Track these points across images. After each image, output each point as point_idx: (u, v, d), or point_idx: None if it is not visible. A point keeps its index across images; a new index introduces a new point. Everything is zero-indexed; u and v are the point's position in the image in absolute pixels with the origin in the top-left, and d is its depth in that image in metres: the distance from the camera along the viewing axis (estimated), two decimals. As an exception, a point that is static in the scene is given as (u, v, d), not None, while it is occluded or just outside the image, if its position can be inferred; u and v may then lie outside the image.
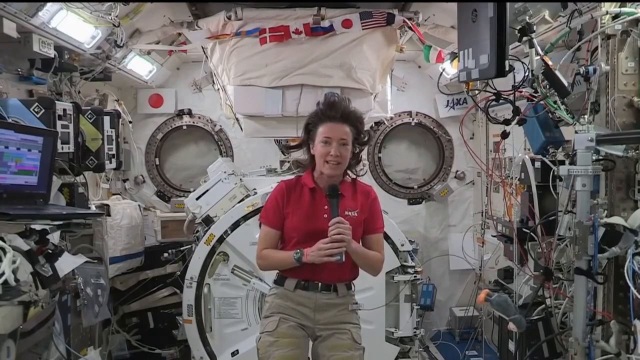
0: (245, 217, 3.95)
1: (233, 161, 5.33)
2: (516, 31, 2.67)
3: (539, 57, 2.66)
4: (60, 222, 2.74)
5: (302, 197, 2.62)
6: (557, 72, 2.62)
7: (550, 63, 2.62)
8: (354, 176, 2.71)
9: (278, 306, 2.63)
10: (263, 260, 2.63)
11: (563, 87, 2.62)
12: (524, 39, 2.66)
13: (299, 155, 2.72)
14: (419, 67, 5.54)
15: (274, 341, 2.54)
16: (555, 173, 2.95)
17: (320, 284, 2.58)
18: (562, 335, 2.96)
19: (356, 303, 2.72)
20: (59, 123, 3.07)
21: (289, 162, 4.56)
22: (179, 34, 4.41)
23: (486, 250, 5.15)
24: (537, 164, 3.34)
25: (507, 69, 2.53)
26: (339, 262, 2.46)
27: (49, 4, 2.98)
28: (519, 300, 3.56)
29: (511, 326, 2.98)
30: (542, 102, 2.85)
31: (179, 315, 4.43)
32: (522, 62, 2.80)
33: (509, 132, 2.97)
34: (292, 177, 2.73)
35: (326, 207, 2.54)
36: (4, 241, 2.24)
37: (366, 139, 2.68)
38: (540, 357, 3.12)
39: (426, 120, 5.61)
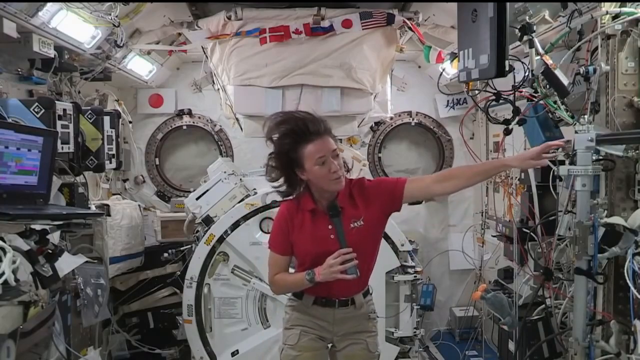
0: (245, 217, 3.95)
1: (233, 161, 5.33)
2: (517, 30, 2.67)
3: (539, 57, 2.65)
4: (60, 222, 2.73)
5: (304, 221, 2.52)
6: (557, 72, 2.62)
7: (550, 62, 2.62)
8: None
9: (297, 319, 2.62)
10: (276, 285, 2.60)
11: (563, 87, 2.62)
12: (525, 38, 2.66)
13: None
14: (419, 67, 5.54)
15: (296, 355, 2.58)
16: (555, 173, 2.94)
17: (337, 300, 2.55)
18: (562, 335, 2.95)
19: (374, 312, 2.70)
20: (59, 123, 3.07)
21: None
22: (179, 34, 4.41)
23: (486, 250, 5.15)
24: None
25: (507, 69, 2.53)
26: (355, 277, 2.40)
27: (49, 4, 2.98)
28: (519, 300, 3.56)
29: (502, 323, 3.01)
30: (542, 102, 2.85)
31: (179, 315, 4.43)
32: (522, 62, 2.80)
33: (512, 129, 2.97)
34: (290, 200, 2.57)
35: (330, 226, 2.46)
36: (4, 241, 2.24)
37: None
38: (540, 357, 3.12)
39: (426, 120, 5.61)
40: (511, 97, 2.91)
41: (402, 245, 3.97)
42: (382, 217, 2.57)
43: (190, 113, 5.51)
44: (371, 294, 2.70)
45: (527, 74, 2.79)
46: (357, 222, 2.48)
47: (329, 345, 2.66)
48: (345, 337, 2.61)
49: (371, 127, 5.51)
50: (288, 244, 2.55)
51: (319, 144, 2.37)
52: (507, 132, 3.01)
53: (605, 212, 2.60)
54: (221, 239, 3.95)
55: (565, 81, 2.63)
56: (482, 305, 5.12)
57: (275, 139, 2.44)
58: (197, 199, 4.16)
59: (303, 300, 2.59)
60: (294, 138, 2.39)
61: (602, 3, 2.53)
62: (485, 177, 2.89)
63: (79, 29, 3.42)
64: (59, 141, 2.97)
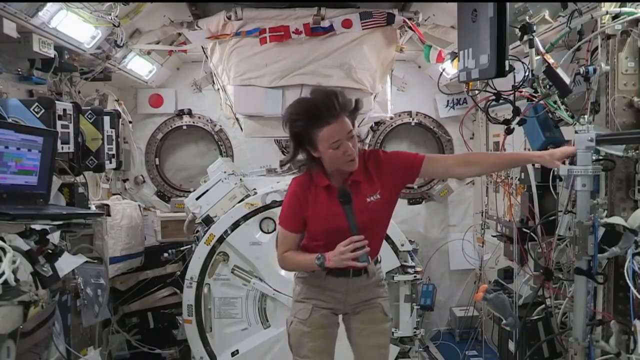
0: (245, 217, 3.95)
1: (233, 161, 5.33)
2: (517, 30, 2.67)
3: (540, 56, 2.65)
4: (60, 222, 2.73)
5: (318, 197, 2.49)
6: (558, 71, 2.61)
7: (551, 61, 2.62)
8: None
9: (309, 292, 2.62)
10: (285, 263, 2.60)
11: (565, 85, 2.62)
12: (525, 38, 2.66)
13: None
14: (419, 67, 5.54)
15: (306, 331, 2.57)
16: (555, 173, 2.94)
17: (351, 269, 2.52)
18: (562, 335, 2.95)
19: (384, 279, 2.72)
20: (59, 123, 3.07)
21: (280, 169, 4.57)
22: (179, 34, 4.41)
23: (486, 250, 5.15)
24: (537, 164, 3.34)
25: (507, 69, 2.53)
26: (366, 264, 2.41)
27: (49, 4, 2.98)
28: (519, 300, 3.56)
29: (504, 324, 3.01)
30: (542, 102, 2.85)
31: (179, 315, 4.43)
32: (522, 62, 2.80)
33: (514, 128, 2.96)
34: (302, 175, 2.55)
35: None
36: (4, 241, 2.24)
37: (355, 106, 2.44)
38: (540, 357, 3.12)
39: (426, 120, 5.61)
40: (511, 97, 2.91)
41: (402, 245, 3.97)
42: (397, 190, 2.60)
43: (190, 113, 5.51)
44: (380, 262, 2.71)
45: (527, 74, 2.79)
46: (374, 196, 2.48)
47: (341, 317, 2.67)
48: (358, 305, 2.62)
49: (371, 127, 5.51)
50: (300, 221, 2.53)
51: (334, 128, 2.33)
52: (509, 131, 3.01)
53: (605, 212, 2.60)
54: (221, 239, 3.95)
55: (567, 80, 2.63)
56: (482, 305, 5.12)
57: (289, 120, 2.41)
58: (197, 199, 4.16)
59: (315, 272, 2.57)
60: (309, 121, 2.35)
61: (602, 3, 2.53)
62: (507, 168, 2.89)
63: (79, 29, 3.42)
64: (59, 141, 2.97)
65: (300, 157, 2.49)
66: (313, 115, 2.34)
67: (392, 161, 2.54)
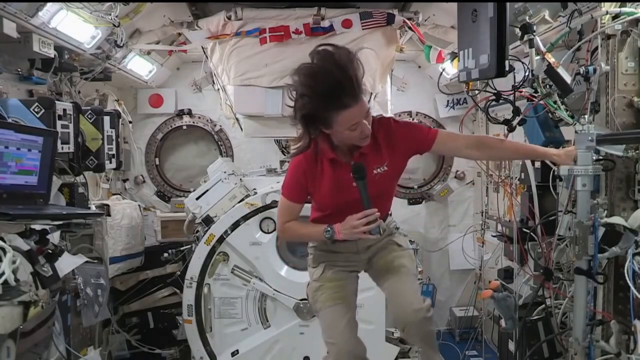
0: (245, 217, 3.95)
1: (233, 161, 5.33)
2: (517, 29, 2.66)
3: (539, 56, 2.65)
4: (60, 222, 2.73)
5: (324, 170, 2.41)
6: (559, 70, 2.61)
7: (552, 60, 2.61)
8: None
9: (321, 257, 2.60)
10: (287, 234, 2.55)
11: (566, 84, 2.62)
12: (525, 37, 2.65)
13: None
14: (419, 67, 5.54)
15: (319, 286, 2.56)
16: (555, 173, 2.94)
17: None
18: (562, 335, 2.95)
19: (397, 228, 2.71)
20: (59, 123, 3.07)
21: (288, 162, 4.56)
22: (179, 34, 4.41)
23: (486, 250, 5.15)
24: (537, 164, 3.34)
25: (507, 69, 2.53)
26: (378, 237, 2.38)
27: (49, 4, 2.98)
28: (519, 300, 3.56)
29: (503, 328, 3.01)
30: (542, 102, 2.85)
31: (179, 315, 4.43)
32: (522, 62, 2.80)
33: (516, 126, 2.96)
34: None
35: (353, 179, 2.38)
36: (4, 241, 2.24)
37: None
38: (540, 357, 3.12)
39: (426, 120, 5.61)
40: (511, 97, 2.90)
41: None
42: (405, 160, 2.54)
43: (190, 113, 5.51)
44: (391, 215, 2.69)
45: (527, 74, 2.78)
46: (381, 167, 2.42)
47: (358, 274, 2.66)
48: (372, 257, 2.60)
49: (371, 127, 5.50)
50: (303, 193, 2.47)
51: (354, 110, 2.19)
52: (511, 129, 2.97)
53: (605, 212, 2.60)
54: (221, 239, 3.95)
55: (568, 79, 2.62)
56: (483, 305, 5.12)
57: (300, 93, 2.21)
58: (197, 199, 4.16)
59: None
60: (324, 104, 2.18)
61: (602, 3, 2.53)
62: (520, 159, 2.84)
63: (79, 29, 3.42)
64: (59, 141, 2.97)
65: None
66: (330, 97, 2.16)
67: (404, 134, 2.46)
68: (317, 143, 2.40)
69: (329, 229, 2.38)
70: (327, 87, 2.15)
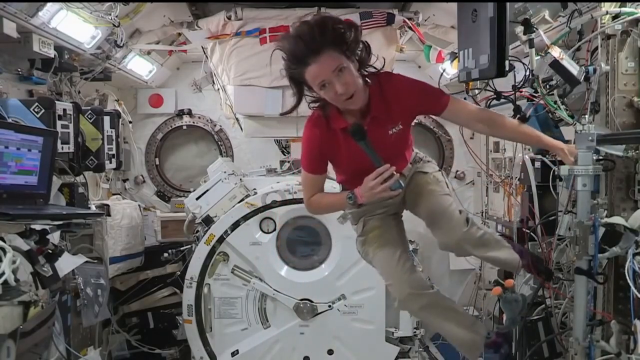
0: (245, 217, 3.96)
1: (233, 161, 5.33)
2: (520, 25, 2.66)
3: (540, 55, 2.64)
4: (60, 222, 2.74)
5: (337, 140, 2.38)
6: (565, 62, 2.60)
7: (556, 54, 2.59)
8: (375, 72, 2.36)
9: (358, 213, 2.59)
10: (313, 207, 2.56)
11: (573, 77, 2.60)
12: (525, 37, 2.65)
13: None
14: (419, 67, 5.53)
15: (364, 240, 2.62)
16: (556, 173, 2.94)
17: None
18: (562, 335, 2.95)
19: (421, 158, 2.67)
20: (59, 123, 3.07)
21: (289, 162, 4.56)
22: (179, 34, 4.41)
23: (486, 250, 5.14)
24: (537, 164, 3.34)
25: (507, 69, 2.53)
26: (401, 190, 2.33)
27: (49, 4, 2.98)
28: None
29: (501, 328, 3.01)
30: (541, 101, 2.85)
31: (179, 315, 4.43)
32: (522, 62, 2.80)
33: (530, 116, 2.95)
34: (316, 113, 2.40)
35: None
36: (4, 241, 2.24)
37: (354, 35, 2.19)
38: (540, 357, 3.12)
39: (426, 120, 5.61)
40: (511, 97, 2.90)
41: (402, 245, 3.96)
42: (416, 115, 2.58)
43: (190, 113, 5.52)
44: (416, 154, 2.67)
45: (527, 74, 2.78)
46: (396, 127, 2.40)
47: (400, 215, 2.69)
48: (405, 193, 2.57)
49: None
50: (322, 163, 2.46)
51: (316, 67, 2.13)
52: (523, 119, 2.93)
53: (606, 212, 2.60)
54: (221, 239, 3.95)
55: (574, 70, 2.61)
56: (483, 305, 5.12)
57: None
58: (197, 199, 4.17)
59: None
60: (294, 61, 2.18)
61: (602, 3, 2.53)
62: (525, 142, 2.86)
63: (79, 29, 3.42)
64: (59, 141, 2.98)
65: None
66: (294, 54, 2.16)
67: (416, 95, 2.42)
68: (327, 111, 2.37)
69: (350, 195, 2.37)
70: (291, 44, 2.17)
